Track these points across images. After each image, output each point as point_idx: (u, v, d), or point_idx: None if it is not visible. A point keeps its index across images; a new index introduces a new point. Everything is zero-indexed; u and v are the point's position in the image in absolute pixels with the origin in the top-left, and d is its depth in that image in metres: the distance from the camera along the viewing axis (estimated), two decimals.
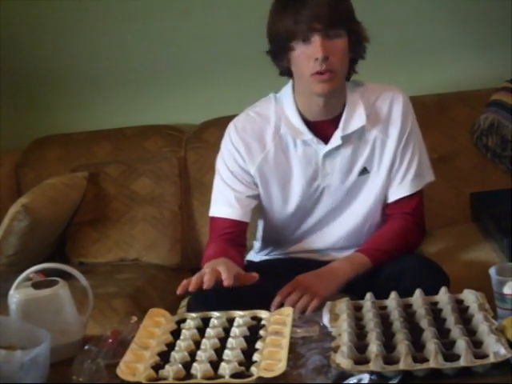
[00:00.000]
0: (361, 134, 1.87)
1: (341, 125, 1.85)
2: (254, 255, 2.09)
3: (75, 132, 2.87)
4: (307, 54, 1.74)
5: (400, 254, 1.84)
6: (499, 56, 2.75)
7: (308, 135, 1.85)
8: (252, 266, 1.94)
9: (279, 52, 1.80)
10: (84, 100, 2.94)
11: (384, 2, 2.78)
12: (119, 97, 2.93)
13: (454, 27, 2.80)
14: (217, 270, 1.58)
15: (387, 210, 1.94)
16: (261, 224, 2.02)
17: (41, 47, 2.92)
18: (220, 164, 1.94)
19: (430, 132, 2.33)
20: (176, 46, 2.88)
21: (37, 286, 1.54)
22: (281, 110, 1.89)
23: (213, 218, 1.93)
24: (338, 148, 1.86)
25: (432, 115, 2.58)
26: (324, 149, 1.86)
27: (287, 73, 1.85)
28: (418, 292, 1.57)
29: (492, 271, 1.49)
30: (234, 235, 1.89)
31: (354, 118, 1.86)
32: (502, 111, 2.56)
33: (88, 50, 2.90)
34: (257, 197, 1.92)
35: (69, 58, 2.91)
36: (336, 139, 1.85)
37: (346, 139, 1.86)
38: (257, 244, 2.08)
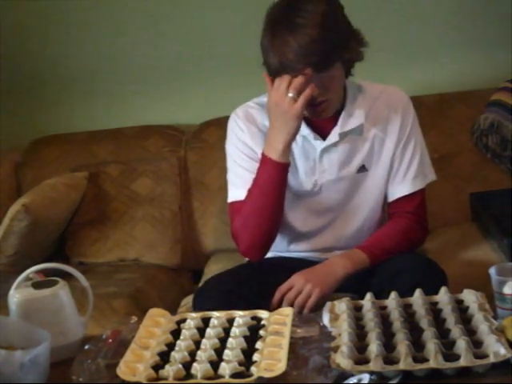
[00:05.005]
0: (360, 131, 1.88)
1: (339, 122, 1.86)
2: None
3: (75, 132, 2.87)
4: None
5: (401, 252, 1.84)
6: (499, 56, 2.75)
7: (305, 130, 1.86)
8: (253, 264, 1.94)
9: (271, 74, 1.80)
10: (84, 100, 2.94)
11: (384, 1, 2.78)
12: (119, 97, 2.93)
13: (454, 27, 2.80)
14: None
15: (389, 209, 1.95)
16: None
17: (41, 47, 2.91)
18: (230, 149, 1.94)
19: (430, 132, 2.34)
20: (176, 46, 2.88)
21: (37, 286, 1.54)
22: None
23: (233, 204, 1.91)
24: (335, 144, 1.87)
25: (432, 115, 2.58)
26: (322, 145, 1.87)
27: None
28: (417, 292, 1.57)
29: (492, 271, 1.49)
30: None
31: (353, 116, 1.87)
32: (502, 111, 2.56)
33: (88, 50, 2.90)
34: None
35: (69, 58, 2.91)
36: (334, 136, 1.87)
37: (344, 136, 1.87)
38: None
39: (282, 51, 1.72)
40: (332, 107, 1.83)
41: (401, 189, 1.92)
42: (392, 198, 1.93)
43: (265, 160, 1.80)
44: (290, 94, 1.72)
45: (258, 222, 1.83)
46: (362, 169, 1.90)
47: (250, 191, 1.84)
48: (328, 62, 1.73)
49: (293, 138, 1.77)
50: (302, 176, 1.90)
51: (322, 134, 1.88)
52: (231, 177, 1.94)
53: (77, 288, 1.59)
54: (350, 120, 1.87)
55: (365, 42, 1.81)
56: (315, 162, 1.89)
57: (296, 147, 1.89)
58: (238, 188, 1.90)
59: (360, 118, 1.87)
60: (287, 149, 1.78)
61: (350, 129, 1.87)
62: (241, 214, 1.86)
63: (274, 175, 1.80)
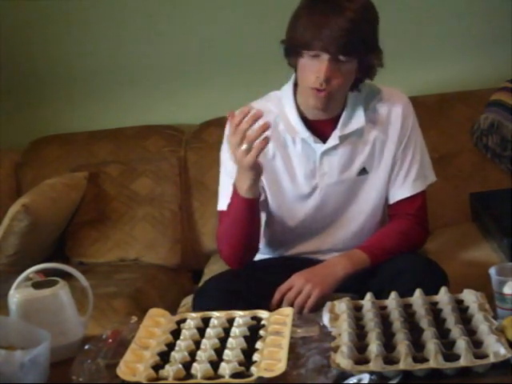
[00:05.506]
0: (360, 134, 1.87)
1: (339, 125, 1.86)
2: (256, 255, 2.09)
3: (75, 132, 2.87)
4: (312, 68, 1.75)
5: (401, 253, 1.83)
6: (499, 56, 2.75)
7: (305, 133, 1.86)
8: (253, 264, 1.94)
9: (290, 51, 1.81)
10: (84, 100, 2.94)
11: (386, 2, 2.78)
12: (119, 97, 2.93)
13: (454, 27, 2.80)
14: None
15: (390, 211, 1.95)
16: (263, 223, 2.02)
17: (41, 47, 2.91)
18: (224, 156, 1.94)
19: (430, 132, 2.34)
20: (176, 46, 2.88)
21: (37, 286, 1.54)
22: (281, 106, 1.89)
23: (221, 212, 1.91)
24: (335, 147, 1.87)
25: (432, 115, 2.58)
26: (322, 147, 1.87)
27: (294, 67, 1.85)
28: (417, 292, 1.57)
29: (492, 271, 1.49)
30: None
31: (353, 119, 1.86)
32: (502, 111, 2.56)
33: (88, 50, 2.90)
34: (261, 188, 1.90)
35: (69, 58, 2.91)
36: (334, 139, 1.86)
37: (344, 139, 1.86)
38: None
39: (318, 27, 1.71)
40: (331, 101, 1.80)
41: (402, 191, 1.91)
42: (393, 200, 1.92)
43: (235, 191, 1.79)
44: (243, 147, 1.67)
45: (235, 237, 1.84)
46: (363, 171, 1.89)
47: (225, 213, 1.85)
48: (352, 49, 1.72)
49: (255, 180, 1.74)
50: (302, 179, 1.89)
51: (322, 137, 1.87)
52: (222, 185, 1.94)
53: (77, 288, 1.59)
54: (350, 122, 1.86)
55: (382, 62, 1.82)
56: (315, 165, 1.88)
57: (296, 150, 1.88)
58: (226, 198, 1.88)
59: (360, 121, 1.86)
60: (251, 189, 1.76)
61: (350, 131, 1.86)
62: (222, 225, 1.88)
63: (242, 208, 1.79)
